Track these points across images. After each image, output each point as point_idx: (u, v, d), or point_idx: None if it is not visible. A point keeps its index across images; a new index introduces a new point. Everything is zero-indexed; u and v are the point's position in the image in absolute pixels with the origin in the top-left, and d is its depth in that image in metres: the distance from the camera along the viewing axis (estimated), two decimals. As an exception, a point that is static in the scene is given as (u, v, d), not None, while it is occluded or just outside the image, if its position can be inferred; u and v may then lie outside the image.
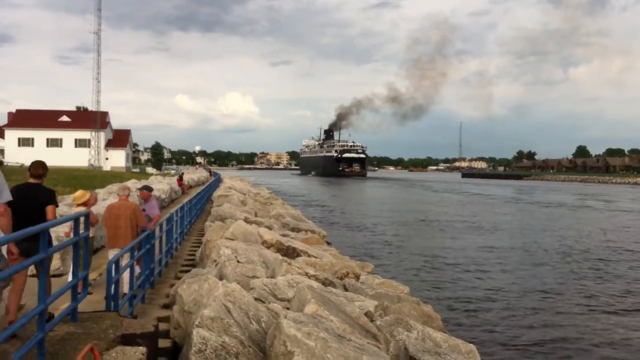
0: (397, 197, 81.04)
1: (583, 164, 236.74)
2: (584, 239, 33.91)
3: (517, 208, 60.63)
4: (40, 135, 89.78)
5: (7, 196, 5.76)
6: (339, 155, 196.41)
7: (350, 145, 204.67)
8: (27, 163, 6.04)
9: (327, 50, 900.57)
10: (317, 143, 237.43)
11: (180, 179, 48.32)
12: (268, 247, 13.98)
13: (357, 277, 12.59)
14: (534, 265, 24.53)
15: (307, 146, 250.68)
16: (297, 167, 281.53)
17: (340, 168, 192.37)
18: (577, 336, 14.42)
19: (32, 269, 7.45)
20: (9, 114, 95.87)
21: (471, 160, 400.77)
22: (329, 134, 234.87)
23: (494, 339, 13.92)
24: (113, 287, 7.86)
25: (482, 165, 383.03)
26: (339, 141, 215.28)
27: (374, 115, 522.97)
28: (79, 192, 10.43)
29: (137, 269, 10.30)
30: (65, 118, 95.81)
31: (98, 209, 14.73)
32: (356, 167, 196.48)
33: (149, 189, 13.12)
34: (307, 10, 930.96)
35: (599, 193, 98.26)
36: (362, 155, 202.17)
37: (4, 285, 5.51)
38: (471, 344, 8.15)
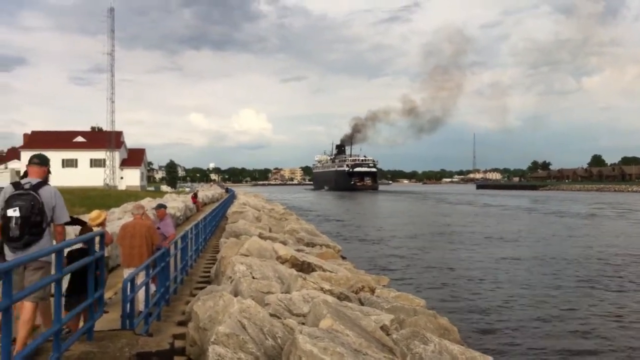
0: (411, 210, 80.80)
1: (599, 173, 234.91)
2: (603, 248, 33.56)
3: (534, 218, 60.22)
4: (55, 156, 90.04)
5: (67, 217, 6.57)
6: (351, 170, 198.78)
7: (362, 160, 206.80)
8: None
9: (338, 65, 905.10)
10: (329, 158, 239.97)
11: (195, 196, 48.49)
12: (283, 263, 13.95)
13: (373, 290, 12.53)
14: (553, 276, 24.30)
15: (319, 161, 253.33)
16: (311, 182, 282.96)
17: (352, 182, 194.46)
18: (599, 348, 14.24)
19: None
20: (25, 135, 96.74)
21: (485, 171, 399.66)
22: (340, 149, 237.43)
23: (513, 351, 13.77)
24: (129, 305, 7.88)
25: (497, 176, 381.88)
26: (350, 156, 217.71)
27: (389, 129, 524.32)
28: (94, 213, 10.47)
29: (153, 287, 10.31)
30: (80, 138, 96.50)
31: (113, 228, 14.81)
32: (368, 181, 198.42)
33: (164, 207, 13.18)
34: (316, 27, 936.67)
35: (616, 202, 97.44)
36: (374, 169, 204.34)
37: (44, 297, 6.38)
38: (489, 357, 8.06)
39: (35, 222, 6.15)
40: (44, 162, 6.61)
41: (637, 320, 16.90)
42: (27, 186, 6.27)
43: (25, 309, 6.03)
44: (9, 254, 6.17)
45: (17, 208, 6.09)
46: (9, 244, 6.16)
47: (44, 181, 6.50)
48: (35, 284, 5.81)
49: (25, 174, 6.59)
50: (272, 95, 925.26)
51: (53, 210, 6.36)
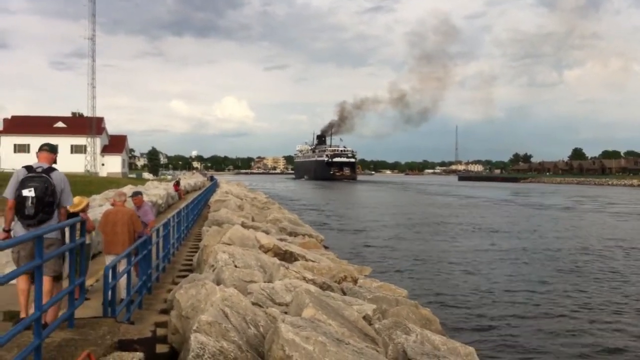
0: (392, 201, 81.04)
1: (579, 166, 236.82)
2: (583, 241, 33.92)
3: (514, 211, 60.66)
4: (35, 142, 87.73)
5: (71, 201, 7.31)
6: (330, 160, 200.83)
7: (341, 150, 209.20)
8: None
9: (322, 54, 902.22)
10: (309, 148, 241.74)
11: (177, 184, 48.27)
12: (265, 252, 13.95)
13: (355, 280, 12.58)
14: (534, 267, 24.53)
15: (300, 151, 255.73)
16: (293, 172, 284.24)
17: (331, 172, 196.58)
18: (577, 338, 14.41)
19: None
20: (5, 120, 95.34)
21: (467, 163, 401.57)
22: (321, 139, 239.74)
23: (493, 341, 13.90)
24: (110, 292, 7.84)
25: (479, 168, 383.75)
26: (330, 146, 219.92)
27: (375, 118, 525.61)
28: (76, 199, 10.35)
29: (134, 277, 10.24)
30: (60, 124, 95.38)
31: (95, 214, 14.70)
32: (346, 171, 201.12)
33: (139, 193, 13.07)
34: (301, 15, 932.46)
35: (596, 195, 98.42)
36: (352, 160, 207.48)
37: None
38: (470, 347, 8.13)
39: (48, 202, 6.80)
40: (53, 150, 7.30)
41: (617, 308, 17.13)
42: (39, 170, 6.90)
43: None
44: (21, 231, 6.77)
45: (32, 189, 6.73)
46: (24, 221, 6.79)
47: (53, 167, 7.12)
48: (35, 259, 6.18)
49: None
50: (255, 83, 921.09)
51: (61, 193, 6.99)
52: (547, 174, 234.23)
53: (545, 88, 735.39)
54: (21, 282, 6.86)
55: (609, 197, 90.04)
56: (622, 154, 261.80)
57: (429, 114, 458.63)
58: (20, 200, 6.74)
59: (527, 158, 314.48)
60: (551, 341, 14.09)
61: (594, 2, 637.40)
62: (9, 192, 6.85)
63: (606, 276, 22.59)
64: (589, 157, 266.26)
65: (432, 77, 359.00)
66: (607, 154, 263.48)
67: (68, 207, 7.39)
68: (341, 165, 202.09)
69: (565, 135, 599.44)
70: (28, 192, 6.71)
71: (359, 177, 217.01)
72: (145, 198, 13.88)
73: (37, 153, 7.23)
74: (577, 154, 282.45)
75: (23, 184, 6.77)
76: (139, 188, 29.17)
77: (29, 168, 6.94)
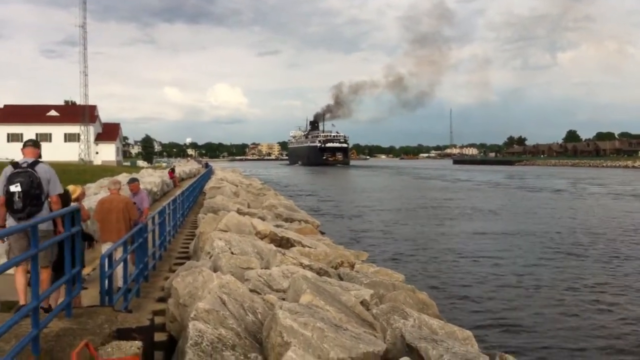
0: (387, 185, 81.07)
1: (573, 149, 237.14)
2: (580, 222, 34.03)
3: (509, 194, 60.77)
4: (29, 130, 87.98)
5: (60, 189, 7.59)
6: (323, 145, 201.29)
7: (333, 136, 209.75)
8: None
9: (314, 39, 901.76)
10: (302, 134, 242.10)
11: (172, 171, 48.21)
12: (262, 238, 13.94)
13: (352, 266, 12.58)
14: (529, 251, 24.59)
15: (294, 137, 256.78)
16: (287, 158, 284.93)
17: (324, 157, 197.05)
18: (574, 322, 14.47)
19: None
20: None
21: (462, 147, 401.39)
22: (314, 124, 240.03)
23: (491, 325, 13.95)
24: (107, 281, 7.82)
25: (474, 151, 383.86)
26: (322, 132, 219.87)
27: (370, 102, 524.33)
28: (70, 187, 10.31)
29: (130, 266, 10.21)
30: (53, 112, 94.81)
31: (90, 203, 14.65)
32: (339, 156, 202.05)
33: (136, 180, 13.04)
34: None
35: (591, 177, 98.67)
36: (345, 145, 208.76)
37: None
38: (468, 331, 8.15)
39: (35, 194, 7.11)
40: (36, 145, 7.67)
41: (612, 292, 17.21)
42: (24, 165, 7.23)
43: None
44: (13, 225, 7.05)
45: (18, 184, 7.07)
46: (14, 215, 7.14)
47: (38, 160, 7.42)
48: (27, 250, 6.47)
49: None
50: (247, 69, 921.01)
51: (48, 184, 7.29)
52: (542, 156, 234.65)
53: (539, 71, 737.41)
54: (18, 276, 7.10)
55: (604, 179, 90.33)
56: (616, 136, 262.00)
57: (425, 97, 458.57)
58: (8, 196, 7.09)
59: (521, 141, 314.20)
60: (550, 324, 14.16)
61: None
62: None
63: (605, 257, 22.68)
64: (583, 139, 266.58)
65: (426, 61, 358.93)
66: (601, 136, 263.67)
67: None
68: (334, 150, 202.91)
69: (559, 118, 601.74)
70: (15, 188, 7.05)
71: (353, 162, 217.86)
72: (140, 186, 13.84)
73: (22, 149, 7.55)
74: (572, 136, 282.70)
75: (10, 180, 7.11)
76: (134, 176, 29.03)
77: (15, 164, 7.30)
